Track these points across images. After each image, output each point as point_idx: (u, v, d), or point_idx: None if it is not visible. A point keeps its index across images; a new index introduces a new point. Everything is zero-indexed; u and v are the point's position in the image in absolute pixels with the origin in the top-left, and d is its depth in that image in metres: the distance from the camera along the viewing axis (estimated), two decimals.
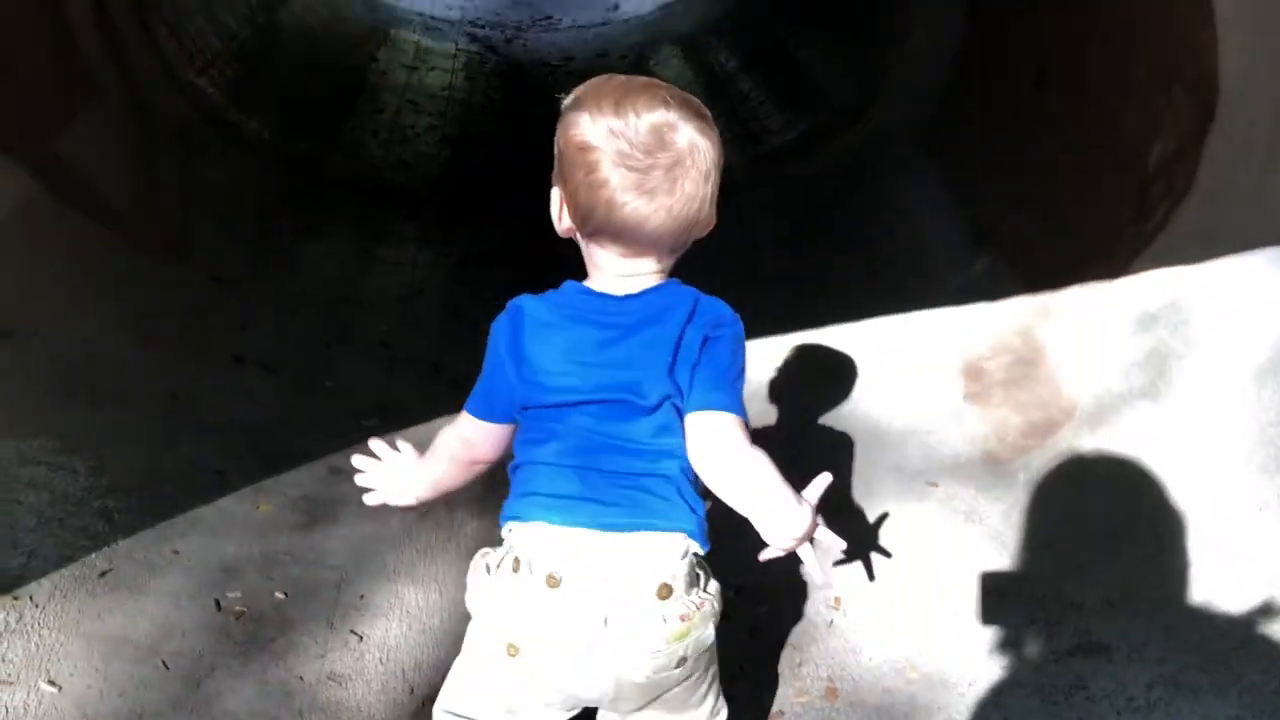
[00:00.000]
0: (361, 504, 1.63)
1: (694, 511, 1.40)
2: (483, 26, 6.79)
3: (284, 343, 3.08)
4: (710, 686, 1.52)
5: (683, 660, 1.40)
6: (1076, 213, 2.90)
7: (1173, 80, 2.61)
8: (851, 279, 3.39)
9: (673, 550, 1.38)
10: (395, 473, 1.58)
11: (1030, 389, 2.71)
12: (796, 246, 3.72)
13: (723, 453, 1.35)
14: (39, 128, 3.06)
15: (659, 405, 1.37)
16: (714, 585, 1.43)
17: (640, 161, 1.33)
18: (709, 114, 1.38)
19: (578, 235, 1.42)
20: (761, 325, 3.15)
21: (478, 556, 1.47)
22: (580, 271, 1.46)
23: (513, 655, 1.40)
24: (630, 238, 1.37)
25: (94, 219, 3.08)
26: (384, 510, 1.63)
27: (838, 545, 1.46)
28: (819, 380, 2.98)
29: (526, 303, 1.43)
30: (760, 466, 1.34)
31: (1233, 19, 2.41)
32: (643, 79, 1.42)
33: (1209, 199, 2.50)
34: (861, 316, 3.19)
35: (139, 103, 3.71)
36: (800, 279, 3.48)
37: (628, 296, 1.40)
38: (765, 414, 2.92)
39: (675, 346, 1.35)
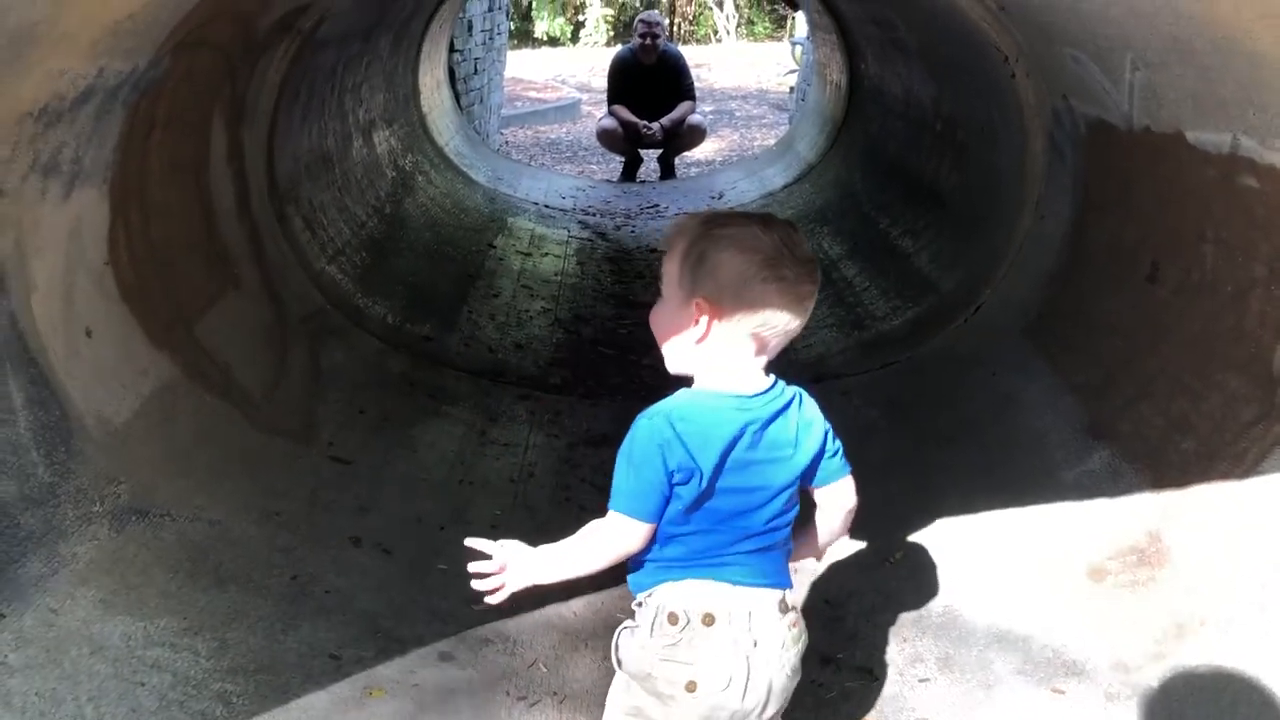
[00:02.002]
0: (472, 692, 1.77)
1: None
2: (593, 214, 7.07)
3: (400, 524, 3.15)
4: None
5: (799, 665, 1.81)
6: (1198, 410, 2.84)
7: None
8: (962, 470, 3.35)
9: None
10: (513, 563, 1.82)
11: (1158, 592, 2.61)
12: (904, 435, 3.70)
13: None
14: (184, 315, 3.26)
15: None
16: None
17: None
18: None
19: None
20: (869, 517, 3.13)
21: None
22: None
23: (691, 691, 1.74)
24: None
25: (227, 401, 3.24)
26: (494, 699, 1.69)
27: None
28: (930, 578, 2.92)
29: None
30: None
31: None
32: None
33: None
34: (974, 510, 3.14)
35: (273, 289, 3.93)
36: (908, 468, 3.44)
37: None
38: (877, 607, 2.87)
39: None
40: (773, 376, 1.79)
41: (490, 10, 9.61)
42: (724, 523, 1.75)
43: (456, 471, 3.54)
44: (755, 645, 1.75)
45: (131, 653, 2.31)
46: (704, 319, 1.72)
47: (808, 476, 1.80)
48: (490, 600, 1.83)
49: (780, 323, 1.71)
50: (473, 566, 1.84)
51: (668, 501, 1.73)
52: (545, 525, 3.33)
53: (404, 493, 3.33)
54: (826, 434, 1.81)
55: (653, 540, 1.78)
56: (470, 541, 1.85)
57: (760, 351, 1.75)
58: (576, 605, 2.92)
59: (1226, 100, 2.68)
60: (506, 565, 1.82)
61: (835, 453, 1.83)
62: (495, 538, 1.84)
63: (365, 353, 4.12)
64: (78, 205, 2.74)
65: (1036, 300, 3.91)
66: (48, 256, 2.63)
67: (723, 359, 1.75)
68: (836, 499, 1.87)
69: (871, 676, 2.61)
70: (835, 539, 1.96)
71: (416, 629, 2.70)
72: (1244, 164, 2.69)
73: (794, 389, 1.81)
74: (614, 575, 1.89)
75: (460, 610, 2.77)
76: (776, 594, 1.79)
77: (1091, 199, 3.67)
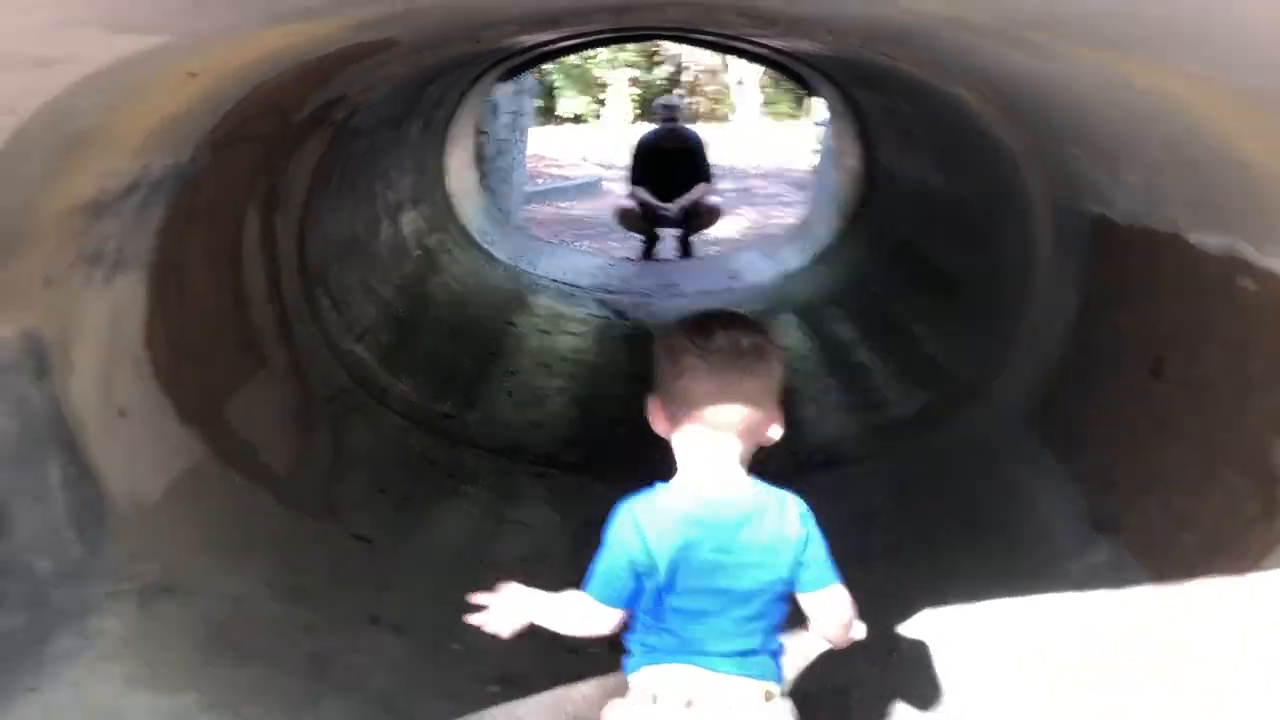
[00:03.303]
0: None
1: None
2: (612, 292, 7.21)
3: (417, 603, 3.21)
4: None
5: None
6: (1200, 506, 2.90)
7: None
8: (967, 560, 3.40)
9: None
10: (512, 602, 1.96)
11: (1167, 684, 2.65)
12: (912, 522, 3.76)
13: None
14: (215, 396, 3.38)
15: None
16: None
17: None
18: None
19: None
20: (876, 605, 3.18)
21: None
22: None
23: None
24: None
25: (253, 480, 3.34)
26: None
27: None
28: (932, 670, 2.96)
29: None
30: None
31: None
32: None
33: None
34: (978, 600, 3.18)
35: (300, 370, 4.05)
36: (916, 557, 3.50)
37: None
38: (881, 697, 2.91)
39: None
40: (751, 480, 1.84)
41: (517, 93, 9.87)
42: (697, 619, 1.81)
43: (473, 551, 3.62)
44: None
45: None
46: (659, 415, 1.83)
47: (791, 583, 1.84)
48: (494, 632, 1.96)
49: (706, 413, 1.76)
50: (473, 618, 1.97)
51: (638, 590, 1.81)
52: None
53: (421, 571, 3.40)
54: (806, 543, 1.82)
55: (640, 624, 1.87)
56: (475, 597, 2.00)
57: (718, 448, 1.79)
58: (586, 688, 2.97)
59: (1223, 205, 2.79)
60: (504, 603, 1.95)
61: (815, 563, 1.84)
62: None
63: (387, 430, 4.23)
64: (118, 291, 2.87)
65: (1043, 389, 3.99)
66: (89, 341, 2.76)
67: (688, 456, 1.82)
68: (821, 607, 1.88)
69: None
70: (837, 642, 1.98)
71: (430, 710, 2.75)
72: (1241, 265, 2.79)
73: (778, 495, 1.84)
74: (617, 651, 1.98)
75: (473, 690, 2.83)
76: (761, 685, 1.85)
77: (1096, 292, 3.76)
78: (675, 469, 1.88)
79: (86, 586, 2.56)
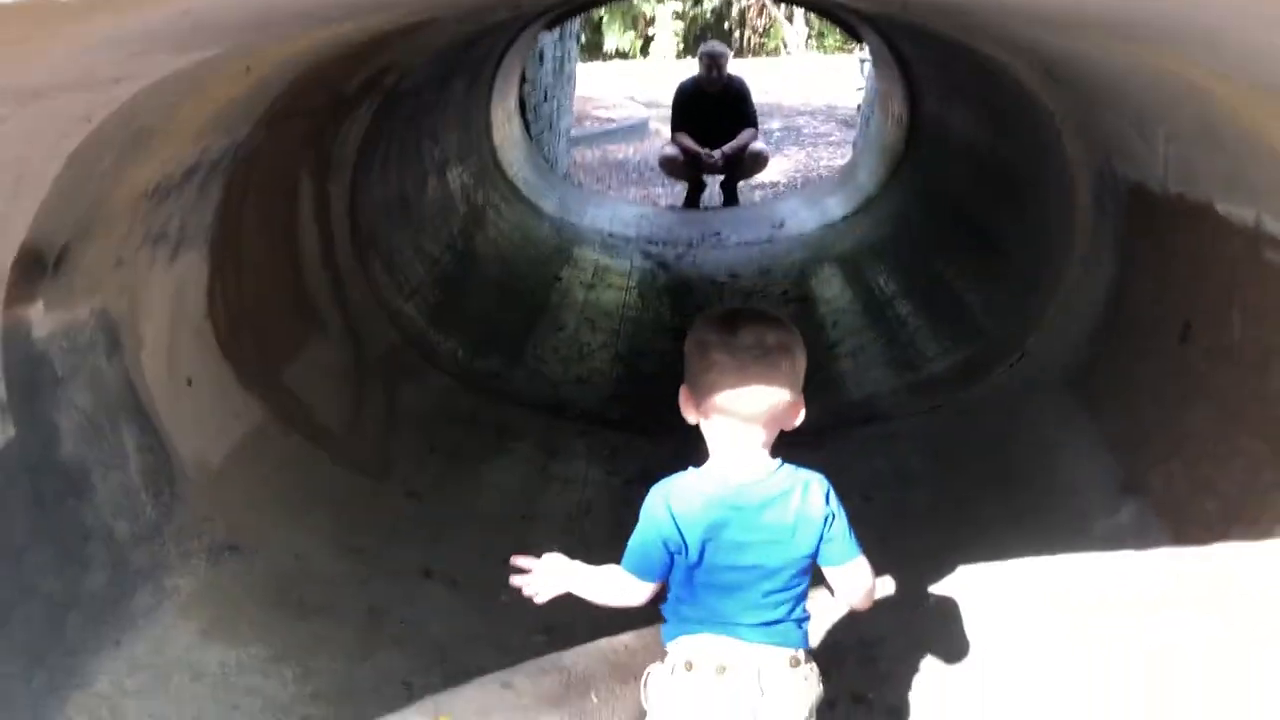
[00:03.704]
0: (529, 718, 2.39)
1: None
2: (656, 243, 7.30)
3: (467, 558, 3.39)
4: None
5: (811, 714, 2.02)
6: (1221, 471, 2.98)
7: None
8: (999, 518, 3.50)
9: None
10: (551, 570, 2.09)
11: (1211, 620, 2.74)
12: (946, 481, 3.86)
13: None
14: (273, 361, 3.56)
15: None
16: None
17: None
18: None
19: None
20: (908, 561, 3.30)
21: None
22: None
23: None
24: None
25: (311, 441, 3.52)
26: None
27: None
28: (960, 624, 3.08)
29: None
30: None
31: None
32: None
33: None
34: (1006, 557, 3.29)
35: (353, 330, 4.22)
36: (949, 515, 3.61)
37: None
38: (909, 651, 3.04)
39: None
40: (777, 462, 1.97)
41: (560, 39, 9.89)
42: (727, 593, 1.96)
43: (520, 507, 3.79)
44: (762, 694, 1.96)
45: (227, 679, 2.58)
46: (689, 405, 1.95)
47: (815, 558, 1.99)
48: (533, 598, 2.10)
49: (733, 405, 1.88)
50: (515, 579, 2.11)
51: (670, 566, 1.96)
52: (601, 563, 3.56)
53: (471, 527, 3.58)
54: (828, 520, 1.95)
55: (674, 597, 2.02)
56: (518, 560, 2.13)
57: (743, 436, 1.91)
58: (628, 638, 3.14)
59: (1252, 182, 2.83)
60: (545, 570, 2.09)
61: (839, 539, 1.97)
62: None
63: (436, 389, 4.39)
64: (181, 268, 3.03)
65: (1080, 352, 4.05)
66: (155, 316, 2.93)
67: (715, 443, 1.95)
68: (844, 580, 2.03)
69: (899, 717, 2.79)
70: (860, 607, 2.11)
71: (480, 659, 2.93)
72: (1267, 239, 2.83)
73: (803, 477, 1.97)
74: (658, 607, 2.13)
75: (521, 641, 3.00)
76: (788, 652, 1.99)
77: (1132, 258, 3.81)
78: (706, 453, 2.01)
79: (161, 547, 2.76)
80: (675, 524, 1.93)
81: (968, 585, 3.26)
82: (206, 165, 2.95)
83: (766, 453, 1.97)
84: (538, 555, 2.14)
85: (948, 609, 3.20)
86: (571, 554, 3.66)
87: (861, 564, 2.02)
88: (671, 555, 1.95)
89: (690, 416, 1.97)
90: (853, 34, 8.56)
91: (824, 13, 8.02)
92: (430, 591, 3.21)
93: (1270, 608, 2.61)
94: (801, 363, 1.94)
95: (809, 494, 1.96)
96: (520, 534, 3.64)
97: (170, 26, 1.64)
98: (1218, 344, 3.15)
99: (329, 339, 3.99)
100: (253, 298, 3.50)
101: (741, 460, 1.95)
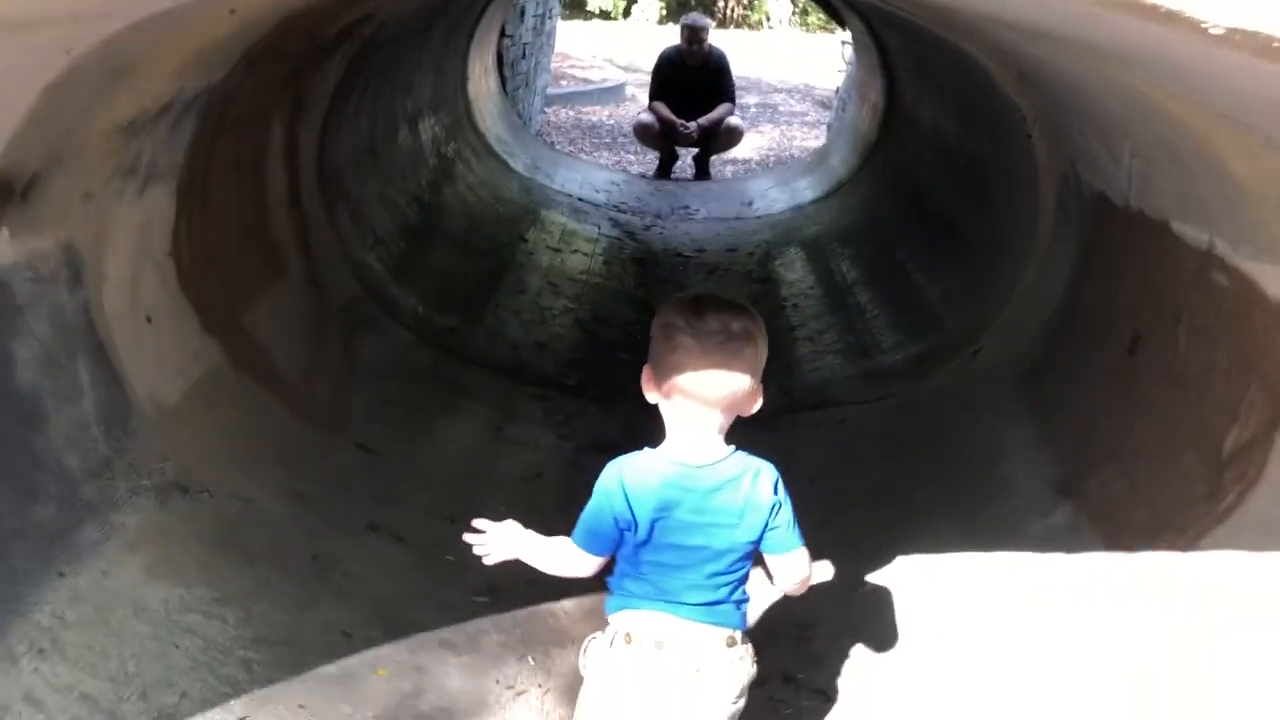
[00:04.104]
0: (466, 678, 2.47)
1: None
2: (624, 212, 7.31)
3: (415, 515, 3.42)
4: None
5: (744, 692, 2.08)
6: (1156, 481, 3.07)
7: (1251, 373, 2.81)
8: (939, 510, 3.59)
9: None
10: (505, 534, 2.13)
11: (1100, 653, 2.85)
12: (892, 470, 3.95)
13: None
14: (235, 304, 3.54)
15: None
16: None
17: None
18: None
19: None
20: (848, 546, 3.38)
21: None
22: None
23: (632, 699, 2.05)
24: None
25: (267, 388, 3.53)
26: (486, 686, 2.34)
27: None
28: (892, 611, 3.17)
29: None
30: None
31: None
32: None
33: (1277, 492, 2.66)
34: (943, 550, 3.38)
35: (315, 279, 4.21)
36: (892, 503, 3.69)
37: None
38: (842, 634, 3.12)
39: None
40: (731, 447, 2.02)
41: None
42: (671, 571, 2.02)
43: (471, 467, 3.82)
44: (698, 672, 2.03)
45: (169, 617, 2.60)
46: (651, 384, 2.00)
47: (758, 544, 2.05)
48: (484, 559, 2.15)
49: (694, 387, 1.93)
50: (469, 537, 2.16)
51: (619, 541, 2.02)
52: (550, 530, 3.60)
53: (421, 484, 3.61)
54: (775, 509, 2.01)
55: (620, 571, 2.08)
56: (477, 522, 2.17)
57: (701, 419, 1.97)
58: (569, 604, 3.19)
59: (1206, 203, 2.90)
60: (499, 535, 2.13)
61: (782, 527, 2.03)
62: None
63: (395, 343, 4.40)
64: (149, 203, 3.01)
65: (1031, 351, 4.14)
66: (120, 250, 2.91)
67: (673, 424, 2.01)
68: (784, 568, 2.10)
69: (826, 698, 2.87)
70: (795, 594, 2.19)
71: (422, 615, 2.98)
72: (1217, 262, 2.91)
73: (754, 465, 2.03)
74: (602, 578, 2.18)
75: (463, 600, 3.05)
76: (725, 632, 2.06)
77: (1089, 265, 3.89)
78: (661, 430, 2.06)
79: (110, 483, 2.76)
80: (627, 501, 1.98)
81: (904, 573, 3.35)
82: (182, 103, 2.92)
83: (721, 438, 2.02)
84: (497, 520, 2.18)
85: (882, 595, 3.29)
86: (521, 518, 3.74)
87: (802, 554, 2.09)
88: (621, 531, 2.01)
89: (651, 396, 2.02)
90: (835, 16, 8.58)
91: None
92: (376, 545, 3.24)
93: (1211, 602, 2.70)
94: (763, 351, 1.99)
95: (759, 481, 2.02)
96: (470, 494, 3.67)
97: None
98: (1163, 358, 3.24)
99: (291, 286, 3.98)
100: (218, 239, 3.48)
101: (697, 443, 2.00)
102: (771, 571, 2.12)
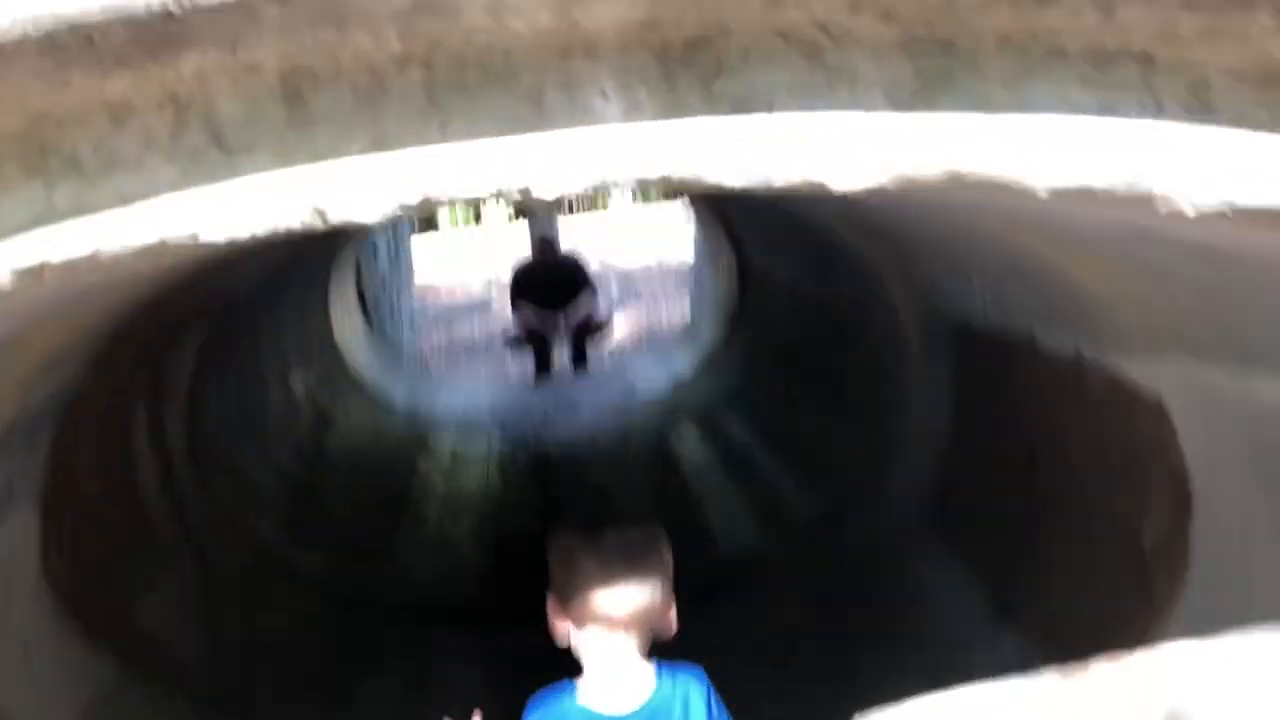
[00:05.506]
0: None
1: None
2: (512, 422, 7.25)
3: None
4: None
5: None
6: (1087, 589, 3.07)
7: (1149, 466, 2.85)
8: (884, 667, 3.50)
9: None
10: None
11: None
12: (826, 633, 3.87)
13: None
14: (121, 604, 3.34)
15: None
16: None
17: None
18: None
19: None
20: (803, 717, 3.26)
21: None
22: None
23: None
24: None
25: (168, 683, 3.30)
26: None
27: None
28: None
29: None
30: None
31: (1183, 412, 2.67)
32: None
33: (1207, 575, 2.68)
34: (897, 700, 3.28)
35: (202, 555, 4.01)
36: (835, 670, 3.60)
37: None
38: None
39: None
40: (653, 670, 1.91)
41: (393, 228, 9.94)
42: None
43: None
44: None
45: None
46: (559, 616, 1.90)
47: None
48: None
49: (604, 607, 1.83)
50: None
51: None
52: None
53: None
54: None
55: None
56: None
57: (618, 648, 1.86)
58: None
59: (1064, 315, 3.01)
60: None
61: None
62: None
63: (298, 608, 4.20)
64: (10, 528, 2.84)
65: (934, 486, 4.17)
66: None
67: (591, 657, 1.89)
68: None
69: None
70: None
71: None
72: (1088, 366, 3.00)
73: (681, 688, 1.91)
74: None
75: None
76: None
77: (969, 390, 3.98)
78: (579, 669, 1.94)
79: None
80: None
81: None
82: (32, 418, 2.80)
83: (644, 661, 1.92)
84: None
85: None
86: None
87: None
88: None
89: (561, 627, 1.91)
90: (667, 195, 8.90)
91: None
92: None
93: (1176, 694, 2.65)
94: (669, 559, 1.92)
95: (690, 703, 1.91)
96: None
97: None
98: (1062, 468, 3.29)
99: (178, 570, 3.78)
100: (92, 542, 3.29)
101: (618, 679, 1.89)
102: None
